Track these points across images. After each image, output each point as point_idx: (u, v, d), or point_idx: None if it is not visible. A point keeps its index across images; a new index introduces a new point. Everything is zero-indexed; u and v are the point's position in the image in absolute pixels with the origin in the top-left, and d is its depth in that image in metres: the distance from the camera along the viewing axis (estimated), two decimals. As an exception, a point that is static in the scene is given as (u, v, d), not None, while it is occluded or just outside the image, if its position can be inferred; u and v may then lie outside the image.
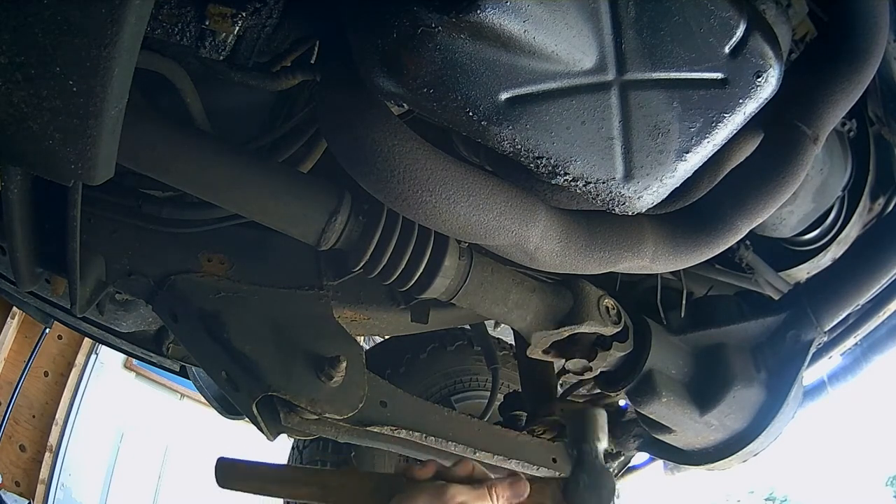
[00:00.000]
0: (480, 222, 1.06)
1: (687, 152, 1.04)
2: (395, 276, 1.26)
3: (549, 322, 1.34)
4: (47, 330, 4.63)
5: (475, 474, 1.06)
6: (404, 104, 1.02)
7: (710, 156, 1.07)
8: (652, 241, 1.20)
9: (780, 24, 1.19)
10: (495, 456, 1.55)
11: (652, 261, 1.22)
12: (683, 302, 1.66)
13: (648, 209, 1.10)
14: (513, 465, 1.59)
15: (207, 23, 1.02)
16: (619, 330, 1.36)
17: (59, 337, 5.10)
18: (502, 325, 2.32)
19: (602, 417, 1.31)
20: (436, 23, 0.85)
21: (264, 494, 1.12)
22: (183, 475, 5.79)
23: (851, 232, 1.90)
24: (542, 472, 1.69)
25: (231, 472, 1.11)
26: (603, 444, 1.27)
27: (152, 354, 1.97)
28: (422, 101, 0.94)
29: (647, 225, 1.21)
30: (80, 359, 5.26)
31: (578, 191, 1.04)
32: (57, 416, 5.03)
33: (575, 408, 1.64)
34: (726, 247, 1.25)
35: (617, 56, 0.95)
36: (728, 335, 1.49)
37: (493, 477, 1.06)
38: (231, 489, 1.11)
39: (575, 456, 1.26)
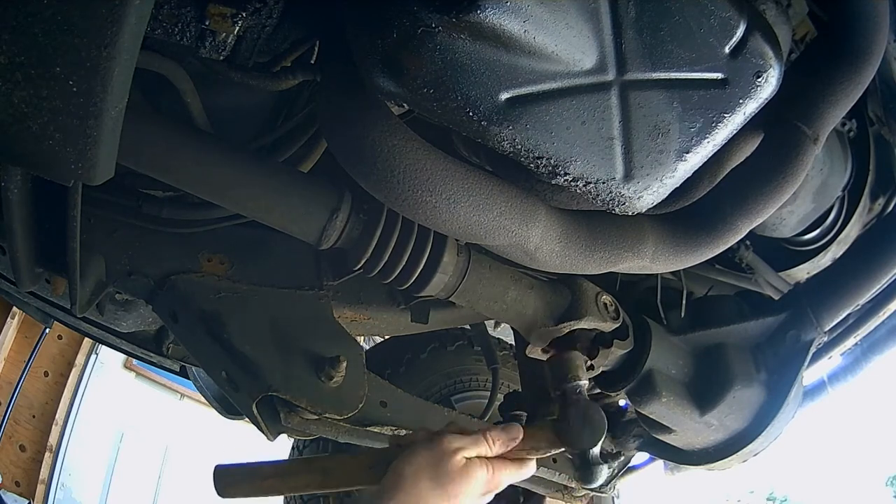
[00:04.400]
0: (481, 222, 1.06)
1: (687, 152, 1.04)
2: (395, 274, 1.26)
3: (548, 319, 1.34)
4: (47, 330, 4.63)
5: (467, 429, 1.09)
6: (404, 104, 1.02)
7: (710, 156, 1.07)
8: (652, 241, 1.20)
9: (780, 24, 1.19)
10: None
11: (652, 261, 1.22)
12: (683, 302, 1.66)
13: (648, 209, 1.10)
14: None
15: (207, 23, 1.03)
16: (618, 326, 1.36)
17: (59, 337, 5.10)
18: (502, 325, 2.32)
19: (579, 358, 1.30)
20: (436, 23, 0.85)
21: (267, 494, 1.11)
22: (183, 475, 5.79)
23: (851, 232, 1.90)
24: (542, 473, 1.69)
25: (229, 479, 1.10)
26: (584, 381, 1.25)
27: (152, 354, 1.97)
28: (422, 101, 0.94)
29: (647, 225, 1.21)
30: (80, 359, 5.27)
31: (578, 191, 1.04)
32: (57, 416, 5.03)
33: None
34: (726, 247, 1.25)
35: (617, 56, 0.95)
36: (728, 335, 1.49)
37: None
38: (232, 497, 1.10)
39: (559, 397, 1.25)
